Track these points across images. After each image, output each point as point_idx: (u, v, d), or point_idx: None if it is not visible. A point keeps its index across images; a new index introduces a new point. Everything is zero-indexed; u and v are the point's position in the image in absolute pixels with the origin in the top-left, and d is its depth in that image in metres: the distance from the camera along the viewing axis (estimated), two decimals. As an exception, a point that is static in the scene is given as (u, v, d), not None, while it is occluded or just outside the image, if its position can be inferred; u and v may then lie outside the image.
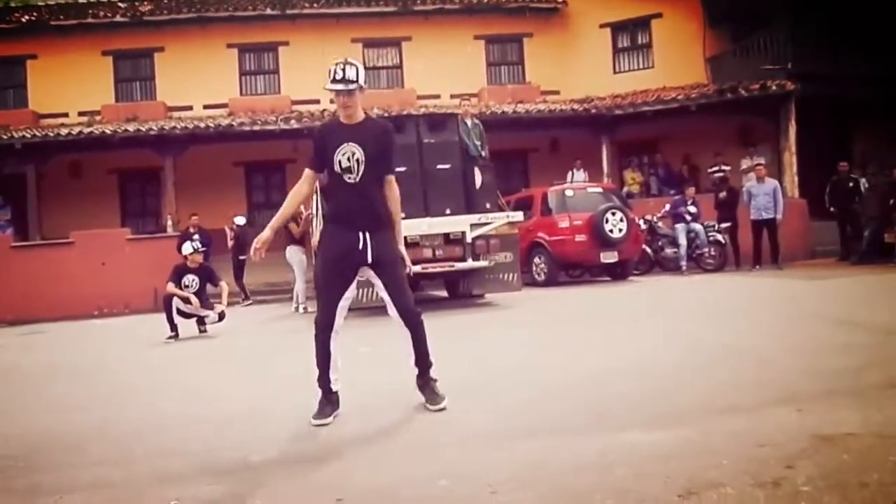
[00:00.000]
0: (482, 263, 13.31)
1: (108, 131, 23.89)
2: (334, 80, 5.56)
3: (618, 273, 18.74)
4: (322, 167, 5.82)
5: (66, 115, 26.72)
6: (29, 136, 23.85)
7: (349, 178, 5.65)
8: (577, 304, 13.92)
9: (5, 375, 10.22)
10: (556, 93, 28.21)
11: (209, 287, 13.47)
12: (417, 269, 13.13)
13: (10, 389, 8.86)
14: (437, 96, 27.80)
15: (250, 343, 11.94)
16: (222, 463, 4.68)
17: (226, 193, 25.90)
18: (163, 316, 12.84)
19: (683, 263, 19.36)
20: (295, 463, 4.57)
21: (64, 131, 24.02)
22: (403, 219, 13.32)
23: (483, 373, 6.49)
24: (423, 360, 5.80)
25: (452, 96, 26.99)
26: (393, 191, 5.94)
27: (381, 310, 12.64)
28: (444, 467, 4.20)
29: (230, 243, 20.81)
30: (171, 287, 12.94)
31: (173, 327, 12.72)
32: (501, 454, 4.37)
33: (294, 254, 17.46)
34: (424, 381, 5.81)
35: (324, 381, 5.67)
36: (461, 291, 15.61)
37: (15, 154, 23.75)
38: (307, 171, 5.91)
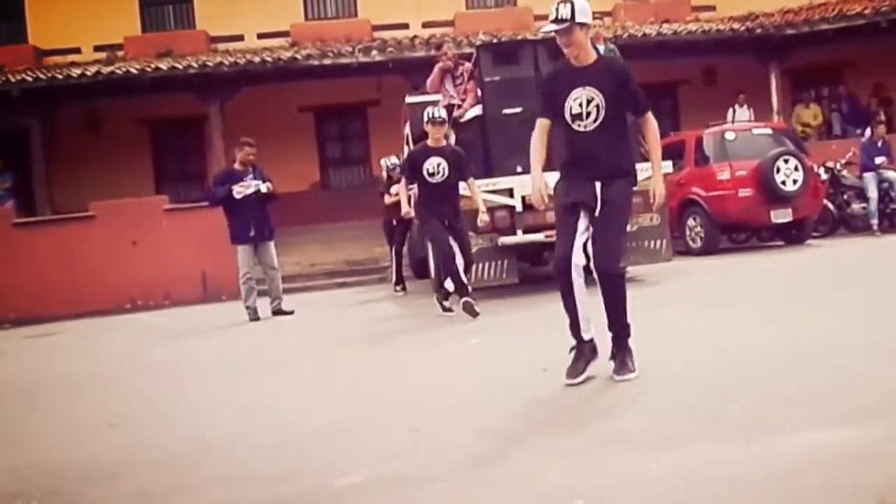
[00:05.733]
0: None
1: (134, 71, 24.02)
2: (551, 22, 6.25)
3: (793, 236, 19.00)
4: (552, 114, 6.70)
5: (77, 50, 26.84)
6: (30, 79, 23.69)
7: (579, 125, 6.50)
8: (741, 276, 14.05)
9: (10, 391, 10.36)
10: (712, 8, 28.07)
11: None
12: (541, 237, 13.29)
13: (16, 409, 9.03)
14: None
15: (324, 337, 12.17)
16: (297, 490, 4.76)
17: (291, 148, 25.89)
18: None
19: (874, 221, 19.37)
20: (390, 484, 4.67)
21: (76, 72, 24.03)
22: (520, 173, 13.49)
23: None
24: (615, 325, 6.36)
25: (580, 16, 26.95)
26: (651, 128, 6.70)
27: (494, 294, 12.99)
28: (573, 481, 4.36)
29: (387, 197, 18.39)
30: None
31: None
32: (649, 465, 4.48)
33: None
34: (618, 350, 6.38)
35: (574, 328, 6.36)
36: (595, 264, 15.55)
37: (13, 104, 23.46)
38: (539, 121, 6.75)
